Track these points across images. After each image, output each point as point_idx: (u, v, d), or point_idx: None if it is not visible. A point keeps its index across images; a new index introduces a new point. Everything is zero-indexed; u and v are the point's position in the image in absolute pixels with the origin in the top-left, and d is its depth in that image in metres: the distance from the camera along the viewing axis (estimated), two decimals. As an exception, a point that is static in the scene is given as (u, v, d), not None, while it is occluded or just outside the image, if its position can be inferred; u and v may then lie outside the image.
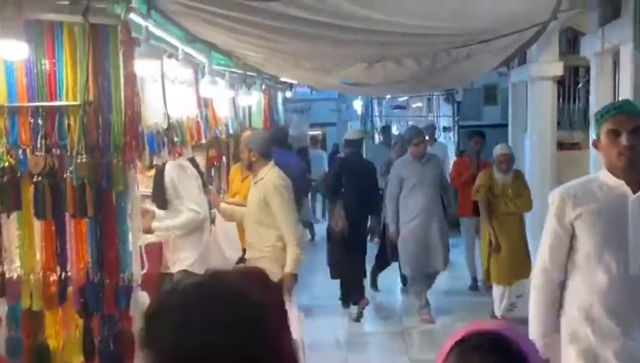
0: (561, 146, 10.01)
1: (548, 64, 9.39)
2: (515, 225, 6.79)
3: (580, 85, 10.55)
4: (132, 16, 3.84)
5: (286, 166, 5.64)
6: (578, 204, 3.00)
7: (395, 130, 16.74)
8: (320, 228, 10.51)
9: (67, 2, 3.73)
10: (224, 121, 7.11)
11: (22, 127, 3.79)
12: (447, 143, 14.13)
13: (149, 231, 5.18)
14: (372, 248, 8.99)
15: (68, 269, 3.86)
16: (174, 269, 5.26)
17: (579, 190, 3.04)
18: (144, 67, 4.14)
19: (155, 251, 5.13)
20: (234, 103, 7.63)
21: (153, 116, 4.78)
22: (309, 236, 11.61)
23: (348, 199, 7.77)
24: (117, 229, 3.85)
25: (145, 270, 4.15)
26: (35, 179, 3.78)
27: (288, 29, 4.19)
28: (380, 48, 5.21)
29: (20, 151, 3.80)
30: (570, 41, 10.30)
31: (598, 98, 7.94)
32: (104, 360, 3.87)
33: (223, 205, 5.83)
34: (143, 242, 4.33)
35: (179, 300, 1.28)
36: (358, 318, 7.77)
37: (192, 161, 5.54)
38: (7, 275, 3.88)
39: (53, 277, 3.86)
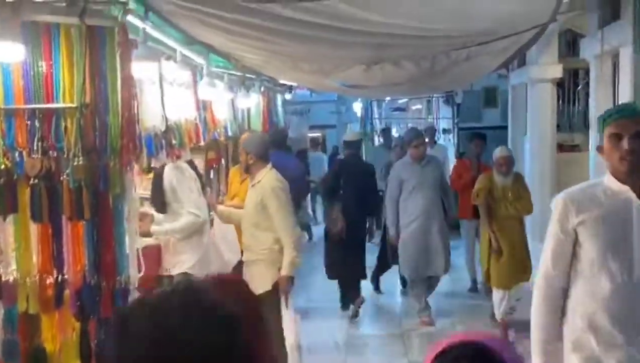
0: (561, 148, 10.00)
1: (548, 66, 9.38)
2: (515, 228, 6.74)
3: (579, 87, 10.54)
4: (130, 18, 3.83)
5: (284, 168, 5.62)
6: (581, 210, 2.92)
7: (394, 132, 16.73)
8: (319, 230, 10.49)
9: (64, 4, 3.72)
10: (223, 123, 7.10)
11: (18, 130, 3.77)
12: (447, 145, 14.10)
13: (147, 234, 5.16)
14: (373, 250, 8.99)
15: (65, 272, 3.84)
16: (174, 272, 5.24)
17: (582, 195, 2.98)
18: (142, 70, 4.14)
19: (152, 254, 5.10)
20: (233, 105, 7.61)
21: (151, 118, 4.77)
22: (307, 237, 11.61)
23: (346, 201, 7.78)
24: (114, 232, 3.83)
25: (142, 273, 4.13)
26: (31, 181, 3.76)
27: (286, 30, 4.18)
28: (378, 50, 5.19)
29: (16, 154, 3.77)
30: (570, 43, 10.29)
31: (598, 100, 7.92)
32: (100, 364, 3.85)
33: (220, 207, 5.81)
34: (140, 245, 4.31)
35: (148, 311, 1.20)
36: (354, 316, 7.80)
37: (191, 163, 5.53)
38: (3, 278, 3.85)
39: (49, 280, 3.83)
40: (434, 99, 16.71)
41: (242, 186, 6.25)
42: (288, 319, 4.92)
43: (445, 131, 15.89)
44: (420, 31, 4.53)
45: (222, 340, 1.18)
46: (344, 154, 8.40)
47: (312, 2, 3.53)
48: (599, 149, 2.98)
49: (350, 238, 7.78)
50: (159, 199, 5.18)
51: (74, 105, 3.73)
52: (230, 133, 7.39)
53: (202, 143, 6.25)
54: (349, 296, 7.96)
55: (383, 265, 8.57)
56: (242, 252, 5.67)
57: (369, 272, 8.40)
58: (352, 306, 7.88)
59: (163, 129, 4.91)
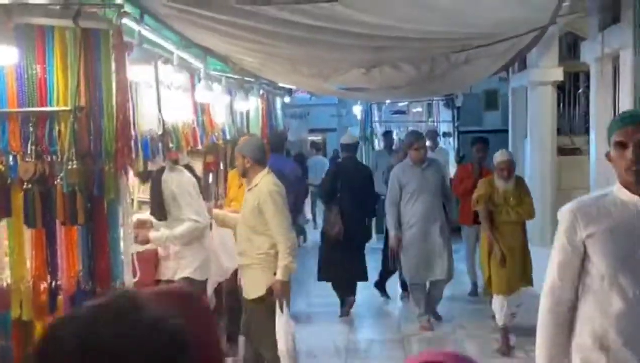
0: (561, 151, 9.96)
1: (548, 69, 9.35)
2: (516, 233, 6.61)
3: (580, 90, 10.50)
4: (125, 20, 3.79)
5: (281, 172, 5.58)
6: (590, 222, 2.76)
7: (394, 135, 16.70)
8: (316, 233, 10.47)
9: (58, 7, 3.69)
10: (221, 126, 7.06)
11: (12, 134, 3.74)
12: (447, 149, 14.05)
13: (147, 242, 5.12)
14: (377, 254, 8.98)
15: (59, 278, 3.80)
16: (175, 277, 5.19)
17: (591, 207, 2.81)
18: (138, 72, 4.10)
19: (148, 259, 5.05)
20: (232, 109, 7.58)
21: (148, 121, 4.73)
22: (303, 240, 11.60)
23: (344, 203, 7.78)
24: (109, 237, 3.80)
25: (137, 279, 4.08)
26: (25, 186, 3.73)
27: (283, 33, 4.14)
28: (377, 53, 5.16)
29: (10, 158, 3.75)
30: (570, 46, 10.26)
31: (598, 103, 7.89)
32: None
33: (216, 211, 5.77)
34: (135, 250, 4.26)
35: (76, 326, 1.06)
36: (343, 315, 7.91)
37: (188, 167, 5.47)
38: (-4, 284, 3.82)
39: (43, 286, 3.80)
40: (434, 102, 16.67)
41: (240, 190, 6.20)
42: (282, 323, 4.86)
43: (445, 134, 15.85)
44: (419, 34, 4.50)
45: (163, 357, 1.05)
46: (342, 157, 8.36)
47: (308, 5, 3.48)
48: (608, 156, 2.83)
49: (347, 240, 7.76)
50: (159, 207, 5.11)
51: (68, 108, 3.71)
52: (228, 137, 7.35)
53: (199, 147, 6.20)
54: (344, 297, 8.00)
55: (387, 269, 8.52)
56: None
57: (370, 274, 8.35)
58: (343, 306, 7.98)
59: (160, 132, 4.87)
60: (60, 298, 3.80)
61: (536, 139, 9.68)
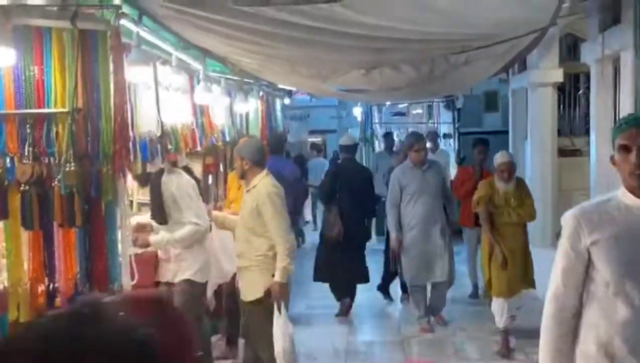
0: (562, 152, 9.94)
1: (548, 71, 9.33)
2: (517, 235, 6.54)
3: (580, 92, 10.48)
4: (124, 22, 3.77)
5: (280, 174, 5.56)
6: (594, 228, 2.69)
7: (395, 137, 16.68)
8: (315, 234, 10.44)
9: (55, 8, 3.67)
10: (221, 128, 7.04)
11: (9, 135, 3.73)
12: (448, 150, 14.03)
13: (147, 246, 5.10)
14: (377, 256, 8.96)
15: (56, 280, 3.78)
16: (176, 279, 5.17)
17: (595, 212, 2.73)
18: (136, 74, 4.09)
19: (147, 261, 5.03)
20: (231, 110, 7.56)
21: (146, 123, 4.71)
22: (302, 242, 11.59)
23: (343, 205, 7.78)
24: (106, 239, 3.79)
25: (135, 281, 4.06)
26: (22, 187, 3.72)
27: (281, 34, 4.13)
28: (376, 54, 5.14)
29: (7, 160, 3.73)
30: (571, 47, 10.25)
31: (598, 105, 7.87)
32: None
33: (215, 213, 5.75)
34: (133, 252, 4.24)
35: (32, 337, 0.98)
36: (339, 314, 7.95)
37: (187, 169, 5.45)
38: (-6, 286, 3.80)
39: (41, 288, 3.78)
40: (434, 103, 16.65)
41: (240, 192, 6.18)
42: (280, 325, 4.84)
43: (445, 135, 15.83)
44: (418, 35, 4.48)
45: None
46: (341, 159, 8.36)
47: (307, 6, 3.47)
48: (612, 160, 2.76)
49: (347, 241, 7.76)
50: (159, 211, 5.08)
51: (66, 110, 3.70)
52: (228, 138, 7.33)
53: (199, 148, 6.18)
54: (341, 299, 8.03)
55: (389, 272, 8.49)
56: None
57: (372, 277, 8.34)
58: (340, 306, 8.02)
59: (158, 134, 4.85)
60: (58, 300, 3.78)
61: (536, 141, 9.66)
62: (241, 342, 5.69)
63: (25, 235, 3.79)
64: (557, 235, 9.76)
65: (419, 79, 6.42)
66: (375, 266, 8.69)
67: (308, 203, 12.69)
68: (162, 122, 4.88)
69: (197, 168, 6.62)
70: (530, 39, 5.64)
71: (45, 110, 3.72)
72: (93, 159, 3.70)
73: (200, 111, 6.27)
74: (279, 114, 11.60)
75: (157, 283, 5.27)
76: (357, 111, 18.08)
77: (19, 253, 3.78)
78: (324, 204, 8.30)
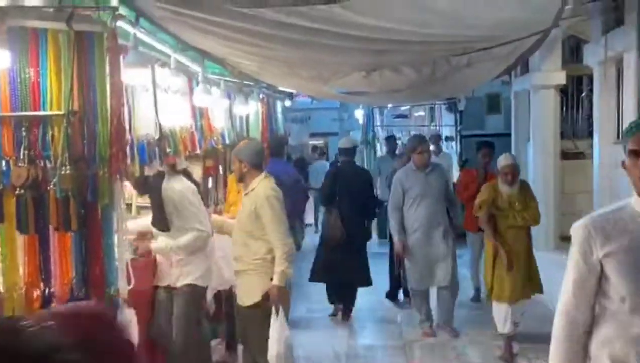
0: (565, 155, 9.89)
1: (551, 73, 9.29)
2: (521, 239, 6.45)
3: (583, 94, 10.44)
4: (120, 23, 3.73)
5: (279, 177, 5.51)
6: (607, 239, 2.52)
7: (397, 140, 16.64)
8: (316, 237, 10.40)
9: (51, 9, 3.63)
10: (220, 130, 7.00)
11: (4, 138, 3.68)
12: (450, 153, 13.99)
13: (149, 254, 5.05)
14: (378, 259, 8.91)
15: (52, 285, 3.73)
16: (178, 284, 5.12)
17: (607, 222, 2.55)
18: (134, 76, 4.04)
19: (146, 265, 4.98)
20: (231, 112, 7.51)
21: (145, 125, 4.66)
22: (297, 249, 11.59)
23: (343, 207, 7.78)
24: (103, 243, 3.74)
25: (132, 286, 4.00)
26: (17, 191, 3.67)
27: (280, 35, 4.08)
28: (376, 56, 5.09)
29: (2, 163, 3.69)
30: (573, 50, 10.21)
31: (601, 107, 7.82)
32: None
33: (214, 217, 5.70)
34: (130, 257, 4.19)
35: None
36: (332, 314, 8.06)
37: (186, 173, 5.39)
38: (-12, 291, 3.75)
39: (36, 293, 3.74)
40: (436, 106, 16.60)
41: (240, 195, 6.13)
42: (276, 329, 4.78)
43: (447, 138, 15.78)
44: (419, 37, 4.43)
45: None
46: (340, 161, 8.35)
47: (306, 7, 3.42)
48: (623, 165, 2.62)
49: (347, 244, 7.75)
50: (161, 219, 5.03)
51: (62, 113, 3.65)
52: (228, 141, 7.28)
53: (198, 151, 6.13)
54: (336, 304, 8.07)
55: (396, 277, 8.43)
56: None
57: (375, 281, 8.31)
58: (334, 306, 8.13)
59: (157, 136, 4.80)
60: (53, 305, 3.72)
61: (539, 143, 9.62)
62: (240, 346, 5.64)
63: (20, 239, 3.74)
64: (561, 238, 9.79)
65: (420, 81, 6.37)
66: (378, 270, 8.65)
67: (310, 206, 12.64)
68: (160, 124, 4.83)
69: (197, 171, 6.58)
70: (533, 40, 5.59)
71: (41, 113, 3.67)
72: (89, 162, 3.66)
73: (200, 114, 6.22)
74: (279, 116, 11.56)
75: (156, 288, 5.23)
76: (359, 114, 18.06)
77: (14, 258, 3.74)
78: (324, 206, 8.29)
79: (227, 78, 6.79)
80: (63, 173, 3.62)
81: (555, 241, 9.45)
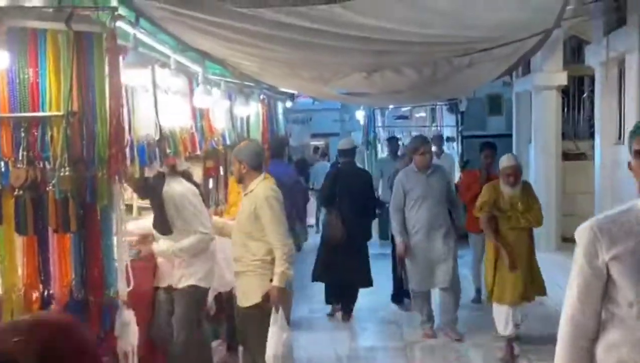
0: (566, 156, 9.87)
1: (552, 74, 9.28)
2: (523, 241, 6.39)
3: (585, 95, 10.42)
4: (120, 24, 3.71)
5: (279, 178, 5.49)
6: (613, 242, 2.42)
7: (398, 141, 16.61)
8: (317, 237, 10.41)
9: (50, 9, 3.61)
10: (221, 131, 6.98)
11: (3, 139, 3.68)
12: (452, 154, 13.97)
13: (151, 257, 5.04)
14: (380, 260, 8.89)
15: (51, 286, 3.72)
16: (180, 285, 5.11)
17: (613, 225, 2.45)
18: (133, 77, 4.02)
19: (145, 266, 4.95)
20: (231, 113, 7.50)
21: (144, 126, 4.65)
22: (297, 250, 11.60)
23: (343, 208, 7.81)
24: (102, 244, 3.73)
25: (131, 287, 3.98)
26: (16, 192, 3.66)
27: (280, 36, 4.06)
28: (378, 57, 5.07)
29: (1, 164, 3.67)
30: (575, 50, 10.20)
31: (603, 108, 7.80)
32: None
33: (215, 218, 5.69)
34: (129, 258, 4.17)
35: None
36: (330, 314, 8.13)
37: (186, 174, 5.38)
38: (-13, 293, 3.74)
39: (35, 294, 3.72)
40: (437, 107, 16.59)
41: (240, 196, 6.12)
42: (275, 330, 4.76)
43: (448, 139, 15.76)
44: (420, 37, 4.41)
45: None
46: (340, 162, 8.36)
47: (306, 7, 3.40)
48: (629, 166, 2.55)
49: (347, 244, 7.77)
50: (163, 222, 5.01)
51: (61, 113, 3.64)
52: (228, 142, 7.27)
53: (198, 152, 6.12)
54: (334, 304, 8.09)
55: (399, 280, 8.40)
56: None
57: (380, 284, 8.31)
58: (331, 307, 8.19)
59: (157, 137, 4.79)
60: (53, 307, 3.71)
61: (540, 144, 9.60)
62: (241, 347, 5.62)
63: (19, 241, 3.73)
64: (562, 239, 9.75)
65: (421, 82, 6.35)
66: (379, 271, 8.64)
67: (313, 207, 12.63)
68: (160, 125, 4.82)
69: (198, 172, 6.57)
70: (534, 41, 5.57)
71: (40, 113, 3.66)
72: (88, 163, 3.64)
73: (200, 114, 6.21)
74: (280, 117, 11.54)
75: (156, 289, 5.21)
76: (360, 115, 18.04)
77: (13, 259, 3.72)
78: (324, 207, 8.31)
79: (228, 79, 6.78)
80: (62, 174, 3.61)
81: (556, 242, 9.43)
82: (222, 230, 5.46)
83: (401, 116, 19.49)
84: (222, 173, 7.68)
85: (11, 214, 3.67)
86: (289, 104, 12.19)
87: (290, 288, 5.91)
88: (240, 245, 4.96)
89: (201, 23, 3.86)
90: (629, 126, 7.09)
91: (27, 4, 3.68)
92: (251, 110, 8.34)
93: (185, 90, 5.74)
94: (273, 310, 4.75)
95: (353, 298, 8.10)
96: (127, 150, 4.01)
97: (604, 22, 7.34)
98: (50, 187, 3.64)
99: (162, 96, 4.98)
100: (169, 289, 5.16)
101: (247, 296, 4.95)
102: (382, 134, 17.60)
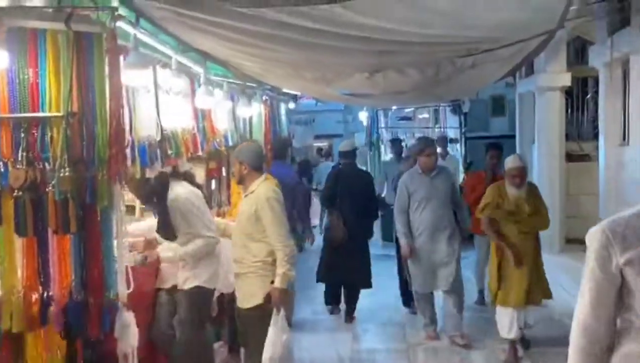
0: (570, 157, 9.84)
1: (556, 75, 9.26)
2: (529, 243, 6.30)
3: (589, 96, 10.39)
4: (120, 24, 3.69)
5: (282, 179, 5.47)
6: (628, 246, 2.28)
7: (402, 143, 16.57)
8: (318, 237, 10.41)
9: (50, 9, 3.59)
10: (223, 132, 6.96)
11: (2, 140, 3.66)
12: (456, 155, 13.93)
13: (157, 263, 5.02)
14: (383, 261, 8.86)
15: (50, 288, 3.70)
16: (186, 286, 5.09)
17: (627, 227, 2.31)
18: (134, 77, 4.00)
19: (145, 269, 4.93)
20: (234, 114, 7.48)
21: (146, 127, 4.63)
22: (299, 250, 11.62)
23: (344, 208, 7.83)
24: (102, 246, 3.71)
25: (131, 289, 3.96)
26: (16, 193, 3.64)
27: (282, 36, 4.04)
28: (379, 57, 5.05)
29: (1, 164, 3.65)
30: (579, 51, 10.18)
31: (607, 109, 7.77)
32: (87, 384, 3.71)
33: (217, 220, 5.66)
34: (129, 260, 4.16)
35: None
36: (330, 313, 8.22)
37: (189, 175, 5.35)
38: (-14, 295, 3.72)
39: (35, 296, 3.70)
40: (440, 108, 16.56)
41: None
42: (274, 332, 4.73)
43: (452, 140, 15.74)
44: (421, 37, 4.38)
45: None
46: (341, 164, 8.35)
47: (307, 7, 3.38)
48: None
49: (349, 244, 7.79)
50: (167, 228, 4.99)
51: (61, 114, 3.63)
52: (230, 143, 7.24)
53: (200, 153, 6.10)
54: (346, 302, 8.09)
55: (406, 281, 8.38)
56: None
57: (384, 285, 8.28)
58: (329, 307, 8.27)
59: (158, 138, 4.76)
60: (52, 309, 3.69)
61: (544, 145, 9.57)
62: (243, 349, 5.60)
63: (18, 242, 3.71)
64: (566, 241, 9.67)
65: (424, 82, 6.33)
66: (382, 272, 8.60)
67: (317, 207, 12.62)
68: (161, 126, 4.80)
69: (200, 173, 6.55)
70: (538, 42, 5.54)
71: (40, 114, 3.65)
72: (88, 164, 3.63)
73: (202, 115, 6.19)
74: (283, 118, 11.52)
75: (158, 290, 5.19)
76: (363, 116, 18.01)
77: (12, 260, 3.70)
78: (326, 208, 8.33)
79: (230, 80, 6.76)
80: (62, 174, 3.60)
81: (560, 244, 9.40)
82: (224, 232, 5.44)
83: (404, 117, 19.45)
84: (224, 174, 7.65)
85: (11, 216, 3.66)
86: (291, 105, 12.17)
87: (291, 289, 5.88)
88: (241, 246, 4.93)
89: (202, 23, 3.84)
90: (633, 127, 7.06)
91: (27, 4, 3.66)
92: (254, 111, 8.32)
93: (187, 91, 5.71)
94: (274, 311, 4.73)
95: (354, 298, 8.10)
96: (128, 151, 3.99)
97: (608, 23, 7.32)
98: (50, 188, 3.62)
99: (163, 97, 4.96)
100: (172, 290, 5.15)
101: (248, 297, 4.93)
102: (385, 135, 17.58)
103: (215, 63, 5.75)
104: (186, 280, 5.10)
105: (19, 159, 3.63)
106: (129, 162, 4.01)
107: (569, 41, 9.40)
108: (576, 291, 2.50)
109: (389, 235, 10.76)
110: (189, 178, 5.35)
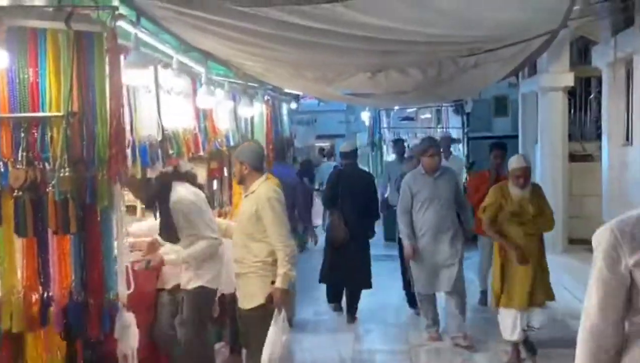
0: (573, 157, 9.81)
1: (559, 75, 9.24)
2: (533, 244, 6.24)
3: (592, 96, 10.37)
4: (121, 23, 3.68)
5: (283, 179, 5.46)
6: (637, 246, 2.22)
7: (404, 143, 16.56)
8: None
9: (50, 9, 3.58)
10: (224, 132, 6.94)
11: (2, 140, 3.65)
12: (459, 156, 13.91)
13: (161, 265, 5.01)
14: (385, 262, 8.84)
15: (50, 288, 3.68)
16: (189, 286, 5.08)
17: (635, 226, 2.25)
18: (135, 77, 3.98)
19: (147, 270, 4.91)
20: (235, 114, 7.46)
21: (147, 127, 4.61)
22: (300, 250, 11.63)
23: (345, 209, 7.84)
24: (102, 246, 3.69)
25: (132, 290, 3.94)
26: (15, 193, 3.63)
27: (283, 36, 4.02)
28: (381, 57, 5.04)
29: (0, 164, 3.64)
30: (582, 51, 10.15)
31: (610, 109, 7.75)
32: (88, 385, 3.69)
33: (219, 220, 5.65)
34: (130, 260, 4.14)
35: None
36: (334, 310, 8.28)
37: (190, 175, 5.33)
38: (-14, 295, 3.70)
39: (35, 297, 3.69)
40: (443, 108, 16.55)
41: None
42: (274, 332, 4.71)
43: (454, 140, 15.72)
44: (424, 37, 4.37)
45: None
46: (342, 164, 8.35)
47: (308, 6, 3.36)
48: None
49: (350, 245, 7.80)
50: (170, 231, 4.97)
51: (61, 114, 3.61)
52: (232, 143, 7.22)
53: (201, 153, 6.08)
54: (347, 302, 8.08)
55: (409, 282, 8.36)
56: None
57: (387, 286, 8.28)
58: (331, 305, 8.29)
59: (159, 138, 4.75)
60: (52, 309, 3.68)
61: (547, 146, 9.56)
62: (244, 350, 5.58)
63: (18, 242, 3.70)
64: (569, 241, 9.64)
65: (426, 82, 6.31)
66: (383, 272, 8.58)
67: (319, 207, 12.63)
68: (162, 126, 4.78)
69: (202, 173, 6.53)
70: (541, 41, 5.51)
71: (40, 114, 3.63)
72: (88, 164, 3.61)
73: (203, 115, 6.17)
74: (285, 118, 11.49)
75: (159, 290, 5.18)
76: (365, 116, 18.00)
77: (12, 261, 3.69)
78: (327, 208, 8.35)
79: (232, 79, 6.74)
80: (62, 174, 3.58)
81: (563, 244, 9.38)
82: (226, 232, 5.42)
83: (407, 118, 19.44)
84: (226, 174, 7.63)
85: (10, 216, 3.64)
86: (293, 105, 12.14)
87: (292, 289, 5.86)
88: (242, 246, 4.92)
89: (203, 22, 3.83)
90: (636, 127, 7.03)
91: (27, 3, 3.65)
92: (255, 111, 8.29)
93: (188, 90, 5.70)
94: (275, 311, 4.71)
95: (356, 299, 8.09)
96: (129, 151, 3.98)
97: (611, 23, 7.30)
98: (50, 188, 3.61)
99: (164, 97, 4.94)
100: (174, 290, 5.13)
101: (249, 298, 4.92)
102: (388, 136, 17.57)
103: (217, 63, 5.73)
104: (189, 280, 5.09)
105: (19, 159, 3.62)
106: (129, 162, 4.00)
107: (572, 41, 9.37)
108: (579, 291, 2.46)
109: (391, 235, 10.75)
110: (190, 178, 5.32)
